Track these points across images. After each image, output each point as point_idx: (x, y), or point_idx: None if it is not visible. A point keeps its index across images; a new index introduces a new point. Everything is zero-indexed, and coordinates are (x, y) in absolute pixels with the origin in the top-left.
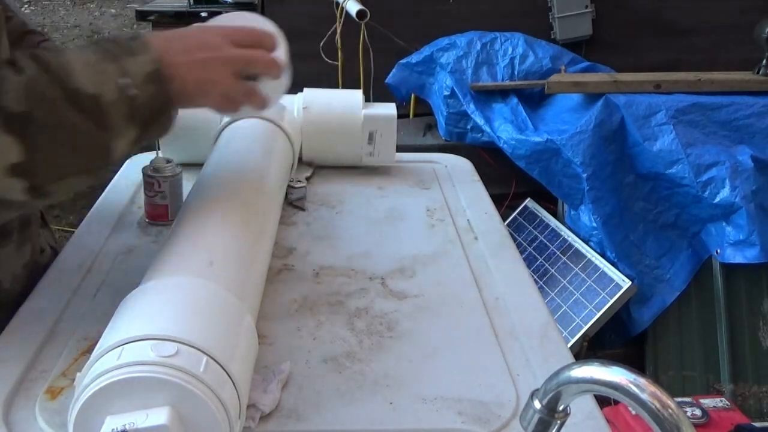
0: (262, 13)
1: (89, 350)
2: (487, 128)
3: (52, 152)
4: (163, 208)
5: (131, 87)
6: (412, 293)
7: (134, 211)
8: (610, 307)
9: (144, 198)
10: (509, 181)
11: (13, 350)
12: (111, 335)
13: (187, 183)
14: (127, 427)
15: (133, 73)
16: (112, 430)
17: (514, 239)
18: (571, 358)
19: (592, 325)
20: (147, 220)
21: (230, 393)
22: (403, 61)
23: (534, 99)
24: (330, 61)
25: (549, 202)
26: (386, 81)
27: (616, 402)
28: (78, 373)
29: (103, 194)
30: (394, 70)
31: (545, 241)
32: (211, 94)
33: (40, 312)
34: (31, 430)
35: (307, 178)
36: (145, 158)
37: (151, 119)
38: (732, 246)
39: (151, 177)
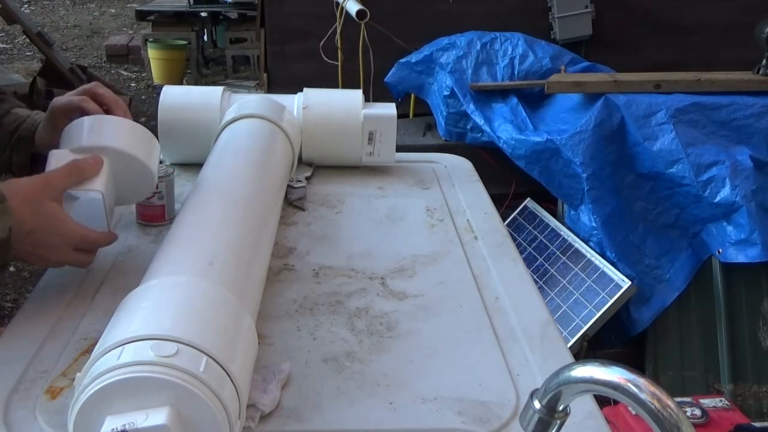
0: (262, 13)
1: (89, 350)
2: (487, 128)
3: None
4: (160, 209)
5: None
6: (412, 293)
7: (134, 211)
8: (609, 307)
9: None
10: (509, 181)
11: (13, 350)
12: (111, 335)
13: (187, 183)
14: (126, 427)
15: None
16: (112, 430)
17: (514, 239)
18: (571, 358)
19: (591, 325)
20: (141, 222)
21: (230, 393)
22: (403, 60)
23: (534, 99)
24: (330, 61)
25: (549, 202)
26: (385, 80)
27: (616, 402)
28: (78, 373)
29: None
30: (393, 69)
31: (545, 241)
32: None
33: (40, 312)
34: (31, 430)
35: (307, 178)
36: None
37: None
38: (733, 245)
39: None
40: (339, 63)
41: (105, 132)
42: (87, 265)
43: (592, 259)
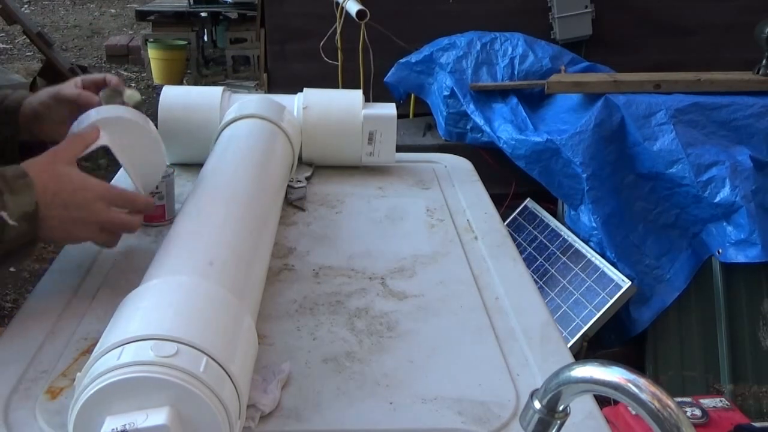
0: (262, 13)
1: (89, 350)
2: (486, 128)
3: None
4: (161, 209)
5: (7, 220)
6: (412, 293)
7: None
8: (609, 307)
9: None
10: (509, 181)
11: (13, 350)
12: (111, 335)
13: (187, 183)
14: (126, 427)
15: (12, 209)
16: (112, 430)
17: (514, 239)
18: (571, 358)
19: (591, 325)
20: (141, 222)
21: (230, 393)
22: (403, 60)
23: (534, 99)
24: (330, 61)
25: (549, 202)
26: (385, 80)
27: (616, 402)
28: (78, 373)
29: None
30: (393, 69)
31: (545, 241)
32: (76, 240)
33: (40, 312)
34: (31, 430)
35: (307, 178)
36: None
37: (15, 250)
38: (733, 246)
39: None
40: (339, 63)
41: (100, 111)
42: (136, 227)
43: (592, 259)
